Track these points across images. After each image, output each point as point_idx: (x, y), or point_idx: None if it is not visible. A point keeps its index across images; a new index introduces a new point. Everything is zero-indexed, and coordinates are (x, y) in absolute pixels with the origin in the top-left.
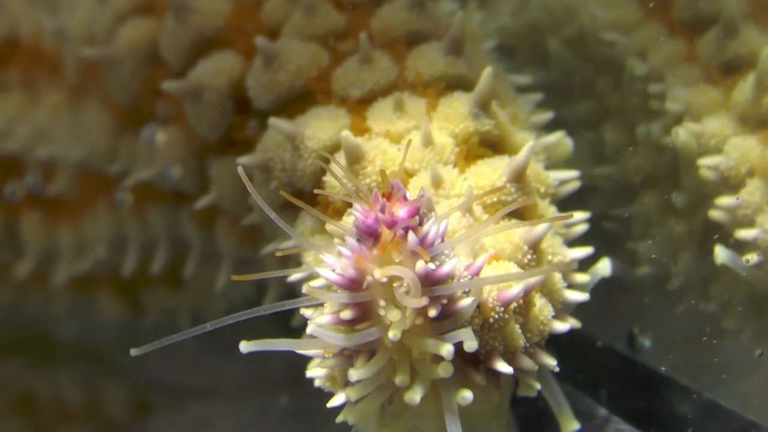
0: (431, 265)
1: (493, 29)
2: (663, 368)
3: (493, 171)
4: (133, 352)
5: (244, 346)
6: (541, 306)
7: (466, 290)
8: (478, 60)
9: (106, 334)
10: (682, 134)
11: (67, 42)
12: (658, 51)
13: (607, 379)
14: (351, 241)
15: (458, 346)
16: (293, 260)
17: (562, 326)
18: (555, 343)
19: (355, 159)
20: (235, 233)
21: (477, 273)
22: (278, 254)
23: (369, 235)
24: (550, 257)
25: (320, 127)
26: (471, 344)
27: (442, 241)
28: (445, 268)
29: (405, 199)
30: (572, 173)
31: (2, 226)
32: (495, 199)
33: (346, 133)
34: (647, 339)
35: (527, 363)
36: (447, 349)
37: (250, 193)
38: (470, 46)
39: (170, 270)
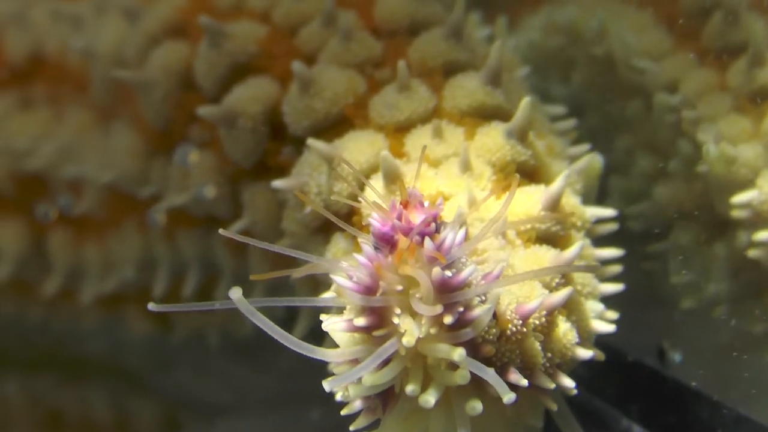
0: (448, 273)
1: (523, 44)
2: (693, 383)
3: (528, 198)
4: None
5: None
6: (566, 330)
7: (484, 298)
8: (515, 89)
9: (136, 352)
10: (713, 151)
11: (95, 62)
12: (688, 80)
13: (638, 393)
14: (367, 248)
15: (473, 354)
16: (324, 284)
17: (585, 353)
18: None
19: (393, 179)
20: (267, 259)
21: (494, 281)
22: (294, 275)
23: (385, 243)
24: (579, 287)
25: (358, 149)
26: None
27: (461, 248)
28: (462, 275)
29: (422, 206)
30: (609, 212)
31: (30, 243)
32: (529, 226)
33: (386, 153)
34: (677, 353)
35: (545, 381)
36: (459, 354)
37: (282, 219)
38: (506, 75)
39: (201, 290)
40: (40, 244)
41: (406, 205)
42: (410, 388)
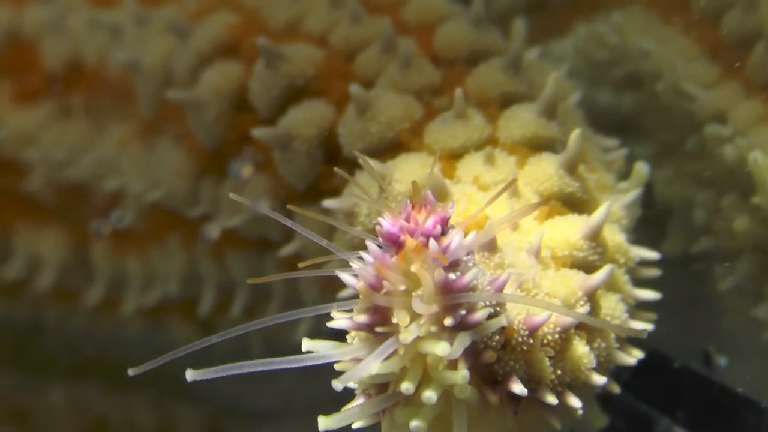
0: (452, 275)
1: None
2: (740, 388)
3: (569, 226)
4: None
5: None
6: (583, 353)
7: (490, 305)
8: (569, 119)
9: (179, 359)
10: (760, 159)
11: (140, 77)
12: (737, 110)
13: (684, 398)
14: (372, 246)
15: (473, 359)
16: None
17: (599, 379)
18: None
19: (440, 197)
20: (317, 281)
21: (501, 288)
22: (300, 265)
23: (392, 243)
24: (608, 318)
25: (409, 170)
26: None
27: (467, 253)
28: (466, 278)
29: (433, 209)
30: (653, 255)
31: (72, 252)
32: (566, 253)
33: (435, 171)
34: (723, 358)
35: (549, 397)
36: (443, 348)
37: (335, 242)
38: (560, 103)
39: (250, 311)
40: (83, 253)
41: (418, 207)
42: (404, 386)
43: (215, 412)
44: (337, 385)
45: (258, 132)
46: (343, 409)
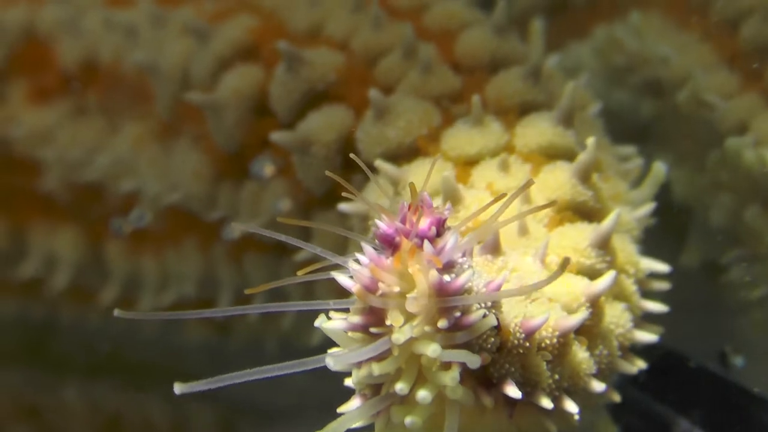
0: (447, 277)
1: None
2: (756, 388)
3: (578, 233)
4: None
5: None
6: (583, 359)
7: (485, 306)
8: (587, 130)
9: (194, 358)
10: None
11: (158, 78)
12: (758, 121)
13: (701, 398)
14: (368, 248)
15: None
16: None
17: (598, 386)
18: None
19: (452, 202)
20: (334, 288)
21: (496, 290)
22: (297, 279)
23: (387, 244)
24: (612, 326)
25: (425, 174)
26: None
27: (463, 255)
28: (460, 280)
29: (430, 211)
30: (664, 267)
31: (87, 251)
32: (574, 260)
33: (447, 174)
34: (740, 357)
35: (544, 401)
36: (433, 349)
37: (349, 247)
38: (578, 113)
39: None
40: (98, 252)
41: (414, 209)
42: (399, 386)
43: (229, 410)
44: (330, 362)
45: (277, 136)
46: (340, 413)
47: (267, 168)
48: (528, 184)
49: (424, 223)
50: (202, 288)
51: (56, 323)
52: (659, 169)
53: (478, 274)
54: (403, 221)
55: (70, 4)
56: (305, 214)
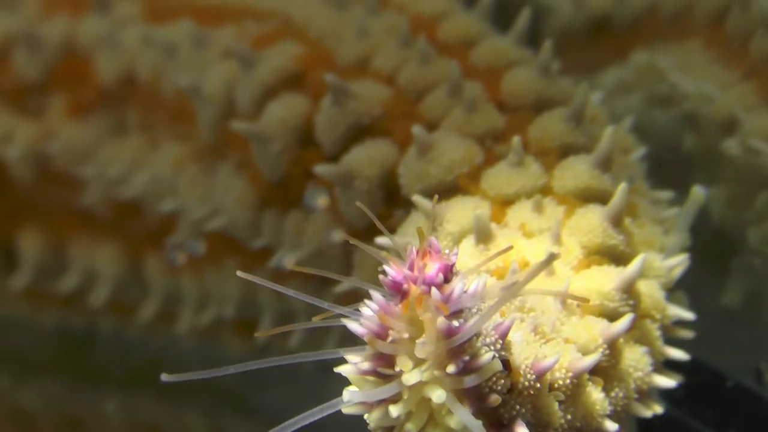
0: (455, 322)
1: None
2: None
3: (603, 276)
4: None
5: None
6: (597, 399)
7: (494, 349)
8: (627, 174)
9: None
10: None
11: (201, 102)
12: None
13: (737, 416)
14: (376, 295)
15: (478, 403)
16: None
17: (611, 426)
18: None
19: (483, 239)
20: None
21: (505, 332)
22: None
23: (396, 291)
24: (631, 369)
25: (461, 212)
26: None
27: (471, 299)
28: (467, 325)
29: (438, 257)
30: (689, 315)
31: (126, 267)
32: (597, 302)
33: (480, 212)
34: None
35: None
36: (438, 395)
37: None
38: (621, 157)
39: (309, 341)
40: (138, 268)
41: (422, 254)
42: (408, 427)
43: (267, 426)
44: (345, 398)
45: (320, 169)
46: None
47: (321, 199)
48: (552, 258)
49: (432, 270)
50: (243, 309)
51: (96, 335)
52: (698, 193)
53: (486, 317)
54: (411, 267)
55: (109, 18)
56: (347, 248)
